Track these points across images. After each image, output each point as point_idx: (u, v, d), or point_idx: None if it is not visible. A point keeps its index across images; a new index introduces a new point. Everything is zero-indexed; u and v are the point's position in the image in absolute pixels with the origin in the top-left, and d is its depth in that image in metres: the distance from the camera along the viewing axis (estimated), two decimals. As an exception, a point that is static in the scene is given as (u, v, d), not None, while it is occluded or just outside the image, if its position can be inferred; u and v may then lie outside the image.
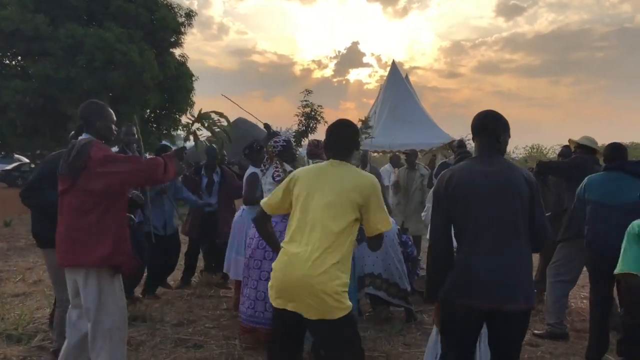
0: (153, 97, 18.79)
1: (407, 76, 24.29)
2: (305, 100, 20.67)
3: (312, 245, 2.71)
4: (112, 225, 3.25)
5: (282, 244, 2.89)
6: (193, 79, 21.42)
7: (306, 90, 20.73)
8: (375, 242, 2.93)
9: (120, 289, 3.40)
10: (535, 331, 4.92)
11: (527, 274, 2.70)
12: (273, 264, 2.87)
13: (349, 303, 2.74)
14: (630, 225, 3.50)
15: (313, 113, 20.87)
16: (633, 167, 4.22)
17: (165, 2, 19.85)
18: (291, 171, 4.49)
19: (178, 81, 20.27)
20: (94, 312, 3.26)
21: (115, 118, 3.51)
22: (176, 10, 20.18)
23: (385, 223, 2.83)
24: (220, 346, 4.56)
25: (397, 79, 23.09)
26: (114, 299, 3.33)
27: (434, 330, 3.58)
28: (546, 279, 5.11)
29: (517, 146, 36.05)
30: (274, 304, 2.83)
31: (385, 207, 2.89)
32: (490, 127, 2.85)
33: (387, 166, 12.15)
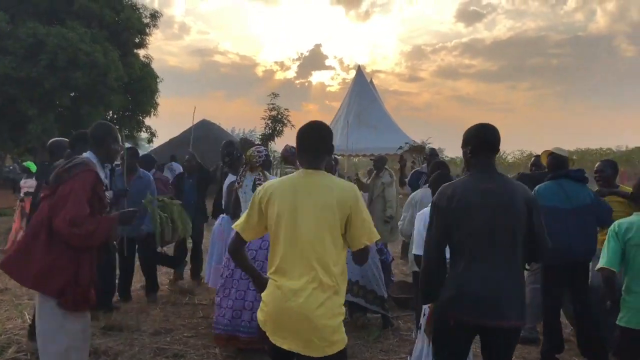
0: (117, 98, 18.54)
1: (371, 80, 24.56)
2: (272, 104, 20.77)
3: (307, 276, 2.47)
4: (64, 253, 3.11)
5: (270, 275, 2.59)
6: (158, 80, 21.21)
7: (273, 93, 20.78)
8: (361, 256, 2.62)
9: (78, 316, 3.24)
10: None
11: (520, 292, 2.74)
12: (264, 297, 2.59)
13: (345, 336, 2.58)
14: (613, 224, 3.67)
15: (280, 116, 20.97)
16: (577, 174, 4.52)
17: (130, 3, 19.59)
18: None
19: (142, 82, 20.07)
20: (42, 336, 3.16)
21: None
22: (141, 11, 19.95)
23: (371, 235, 2.58)
24: (200, 355, 4.55)
25: (362, 84, 23.34)
26: (64, 322, 3.16)
27: (420, 341, 3.67)
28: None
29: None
30: (271, 339, 2.56)
31: (369, 217, 2.64)
32: (492, 142, 2.84)
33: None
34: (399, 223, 5.10)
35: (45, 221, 3.12)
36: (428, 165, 6.67)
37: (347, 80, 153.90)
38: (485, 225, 2.68)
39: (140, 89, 20.03)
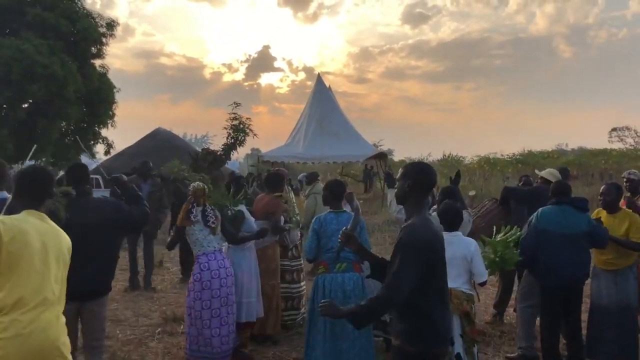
0: (74, 110, 18.00)
1: (329, 87, 24.62)
2: (234, 113, 20.61)
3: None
4: None
5: None
6: (115, 90, 20.69)
7: (235, 102, 20.57)
8: None
9: None
10: (508, 354, 5.27)
11: None
12: None
13: None
14: None
15: (242, 125, 20.83)
16: (579, 203, 4.78)
17: (85, 12, 19.05)
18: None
19: (100, 93, 19.52)
20: None
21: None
22: (97, 21, 19.42)
23: None
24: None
25: (322, 91, 23.43)
26: None
27: None
28: (515, 303, 5.51)
29: (430, 153, 37.71)
30: None
31: None
32: (426, 184, 2.88)
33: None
34: (395, 209, 5.09)
35: None
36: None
37: (296, 82, 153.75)
38: (443, 264, 2.84)
39: (97, 100, 19.49)
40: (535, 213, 4.84)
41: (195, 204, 4.82)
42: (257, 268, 5.23)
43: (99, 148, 22.42)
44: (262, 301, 5.25)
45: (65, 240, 2.87)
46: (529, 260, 4.81)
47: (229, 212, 5.22)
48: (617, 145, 48.81)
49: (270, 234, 5.31)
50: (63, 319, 2.77)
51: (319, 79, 24.01)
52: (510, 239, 4.72)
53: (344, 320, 4.10)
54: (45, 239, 2.70)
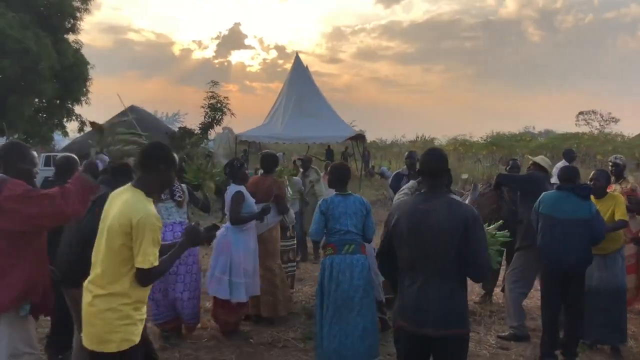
0: (48, 86, 17.58)
1: (307, 67, 24.43)
2: (211, 92, 20.38)
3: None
4: (18, 268, 3.04)
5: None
6: (89, 66, 20.26)
7: (212, 81, 20.39)
8: (140, 277, 2.72)
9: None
10: (499, 333, 5.41)
11: (453, 304, 3.00)
12: None
13: (128, 336, 2.72)
14: None
15: (219, 105, 20.62)
16: (581, 191, 4.84)
17: (59, -15, 18.52)
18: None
19: (74, 69, 19.09)
20: None
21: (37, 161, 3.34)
22: (71, -6, 18.92)
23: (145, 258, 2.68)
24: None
25: (301, 72, 23.24)
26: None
27: None
28: (503, 283, 5.64)
29: (404, 134, 38.05)
30: None
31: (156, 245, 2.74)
32: (432, 168, 3.14)
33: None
34: (403, 192, 5.19)
35: None
36: (408, 168, 6.88)
37: (267, 61, 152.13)
38: (422, 242, 3.00)
39: (71, 76, 19.06)
40: (540, 198, 4.91)
41: None
42: (256, 250, 5.25)
43: (72, 125, 21.96)
44: (258, 282, 5.28)
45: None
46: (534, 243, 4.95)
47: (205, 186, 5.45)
48: (584, 129, 50.07)
49: (275, 214, 5.38)
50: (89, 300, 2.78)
51: (297, 59, 23.82)
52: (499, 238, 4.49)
53: (351, 301, 4.29)
54: None
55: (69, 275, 3.53)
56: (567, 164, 9.16)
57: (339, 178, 4.60)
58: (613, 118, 53.44)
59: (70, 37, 19.66)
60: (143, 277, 2.69)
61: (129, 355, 2.73)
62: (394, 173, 7.04)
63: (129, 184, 2.85)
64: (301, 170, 8.79)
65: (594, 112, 55.08)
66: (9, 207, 2.90)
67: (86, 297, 2.77)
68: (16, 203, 2.90)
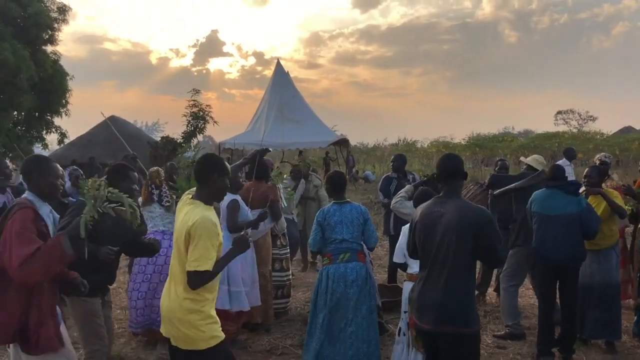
0: (27, 98, 17.30)
1: (288, 73, 24.41)
2: (193, 100, 20.23)
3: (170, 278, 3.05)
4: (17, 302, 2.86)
5: None
6: (68, 78, 19.98)
7: (194, 89, 20.19)
8: (191, 280, 2.88)
9: None
10: (495, 333, 5.44)
11: (459, 302, 3.12)
12: None
13: (214, 333, 2.96)
14: None
15: (201, 113, 20.47)
16: (570, 187, 4.93)
17: (35, -5, 18.27)
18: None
19: (53, 81, 18.82)
20: None
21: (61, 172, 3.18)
22: (48, 5, 18.66)
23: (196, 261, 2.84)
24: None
25: (282, 78, 23.26)
26: None
27: (400, 344, 4.30)
28: (500, 284, 5.68)
29: (386, 138, 38.24)
30: None
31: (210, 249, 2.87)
32: (447, 171, 3.30)
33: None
34: (399, 197, 5.21)
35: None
36: (395, 171, 6.90)
37: (245, 67, 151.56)
38: (432, 243, 3.19)
39: (50, 88, 18.78)
40: (531, 197, 4.97)
41: (153, 186, 5.28)
42: (253, 258, 5.23)
43: (52, 137, 21.64)
44: (258, 291, 5.25)
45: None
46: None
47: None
48: (563, 128, 50.80)
49: (269, 220, 5.35)
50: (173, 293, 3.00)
51: (279, 65, 23.83)
52: None
53: (345, 310, 4.30)
54: None
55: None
56: (567, 162, 9.31)
57: (333, 187, 4.65)
58: (591, 116, 54.50)
59: (49, 49, 19.40)
60: (193, 280, 2.86)
61: (218, 351, 2.97)
62: (383, 176, 7.05)
63: (190, 197, 3.07)
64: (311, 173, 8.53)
65: (572, 111, 56.05)
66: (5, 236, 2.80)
67: (172, 303, 2.97)
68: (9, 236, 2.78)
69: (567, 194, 4.82)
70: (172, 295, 2.98)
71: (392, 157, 7.27)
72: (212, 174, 3.02)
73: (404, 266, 4.47)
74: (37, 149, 24.40)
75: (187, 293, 2.90)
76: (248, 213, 5.20)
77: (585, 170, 5.36)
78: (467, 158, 27.71)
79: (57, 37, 19.16)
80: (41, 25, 17.87)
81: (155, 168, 5.53)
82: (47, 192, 3.03)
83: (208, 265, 2.84)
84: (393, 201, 5.24)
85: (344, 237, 4.38)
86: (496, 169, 6.90)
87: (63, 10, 19.19)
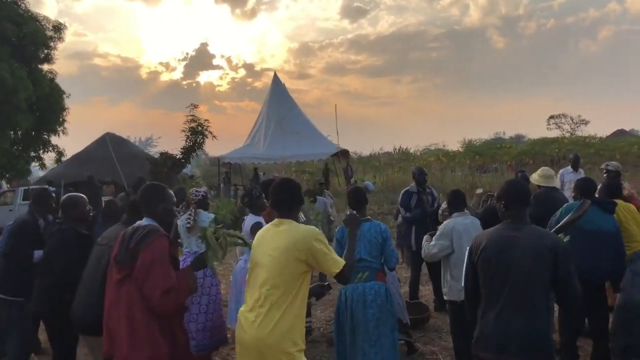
0: (24, 118, 17.12)
1: (284, 85, 24.32)
2: (192, 115, 20.07)
3: (257, 305, 2.95)
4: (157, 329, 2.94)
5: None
6: (65, 96, 19.83)
7: (192, 104, 20.06)
8: (340, 279, 3.11)
9: None
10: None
11: (534, 332, 2.95)
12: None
13: (302, 346, 2.95)
14: None
15: (200, 128, 20.31)
16: (608, 206, 4.79)
17: (31, 15, 18.15)
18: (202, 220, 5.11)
19: (50, 99, 18.67)
20: None
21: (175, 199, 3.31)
22: (43, 24, 18.54)
23: (335, 264, 3.02)
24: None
25: (279, 91, 23.20)
26: None
27: None
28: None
29: (381, 147, 38.19)
30: None
31: (331, 250, 3.07)
32: (519, 198, 3.19)
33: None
34: (424, 243, 5.08)
35: (134, 304, 2.88)
36: (417, 184, 6.80)
37: (236, 80, 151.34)
38: (505, 270, 3.01)
39: (47, 106, 18.62)
40: (561, 209, 4.84)
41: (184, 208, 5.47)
42: None
43: (49, 156, 21.42)
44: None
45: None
46: None
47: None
48: (555, 132, 50.90)
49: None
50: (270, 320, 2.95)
51: (275, 78, 23.76)
52: None
53: (366, 331, 4.21)
54: None
55: (95, 324, 3.31)
56: (571, 170, 9.21)
57: (354, 202, 4.50)
58: (583, 120, 54.45)
59: (45, 67, 19.26)
60: (343, 277, 3.05)
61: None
62: (403, 191, 6.93)
63: (277, 219, 3.18)
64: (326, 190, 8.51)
65: (564, 115, 56.03)
66: (141, 268, 2.89)
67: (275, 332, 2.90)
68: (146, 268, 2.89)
69: (605, 212, 4.69)
70: (268, 322, 2.90)
71: (413, 171, 7.19)
72: (293, 196, 3.24)
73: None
74: (35, 169, 24.21)
75: (295, 318, 2.93)
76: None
77: (599, 187, 5.24)
78: (461, 166, 27.54)
79: (53, 55, 19.05)
80: (37, 44, 17.78)
81: (191, 190, 5.56)
82: (165, 217, 3.18)
83: (341, 260, 3.07)
84: (423, 254, 5.05)
85: (362, 256, 4.25)
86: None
87: (58, 28, 19.11)
